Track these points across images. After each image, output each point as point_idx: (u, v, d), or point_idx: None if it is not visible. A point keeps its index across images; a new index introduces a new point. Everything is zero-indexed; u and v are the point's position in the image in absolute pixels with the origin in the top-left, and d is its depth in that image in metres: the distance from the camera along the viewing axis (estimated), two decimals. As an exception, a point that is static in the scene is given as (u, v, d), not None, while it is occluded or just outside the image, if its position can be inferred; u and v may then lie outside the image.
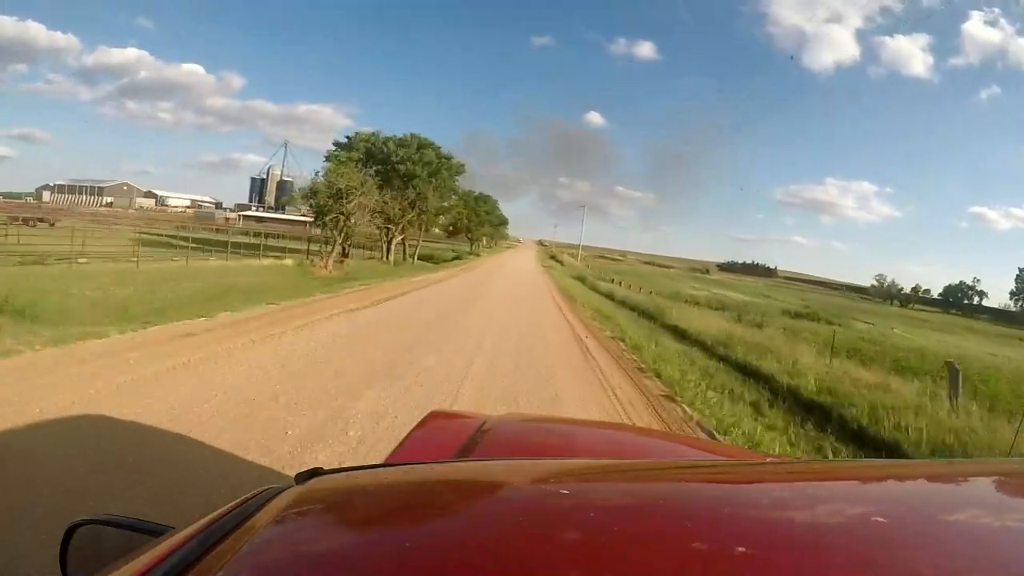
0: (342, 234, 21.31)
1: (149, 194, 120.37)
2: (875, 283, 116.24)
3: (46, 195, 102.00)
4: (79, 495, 2.84)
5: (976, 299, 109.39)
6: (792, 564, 0.47)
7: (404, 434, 1.45)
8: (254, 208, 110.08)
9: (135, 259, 16.04)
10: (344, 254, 23.66)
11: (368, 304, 11.82)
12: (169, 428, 3.82)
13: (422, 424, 1.55)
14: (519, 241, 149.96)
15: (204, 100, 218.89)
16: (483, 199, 60.86)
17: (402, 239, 32.20)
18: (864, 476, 0.84)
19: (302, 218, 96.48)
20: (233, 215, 79.61)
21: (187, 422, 3.97)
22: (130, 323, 6.98)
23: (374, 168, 26.10)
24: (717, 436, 5.40)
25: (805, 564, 0.47)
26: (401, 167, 25.77)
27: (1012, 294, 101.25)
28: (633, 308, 19.37)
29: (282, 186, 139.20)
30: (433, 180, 26.97)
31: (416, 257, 34.49)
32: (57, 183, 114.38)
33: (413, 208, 27.65)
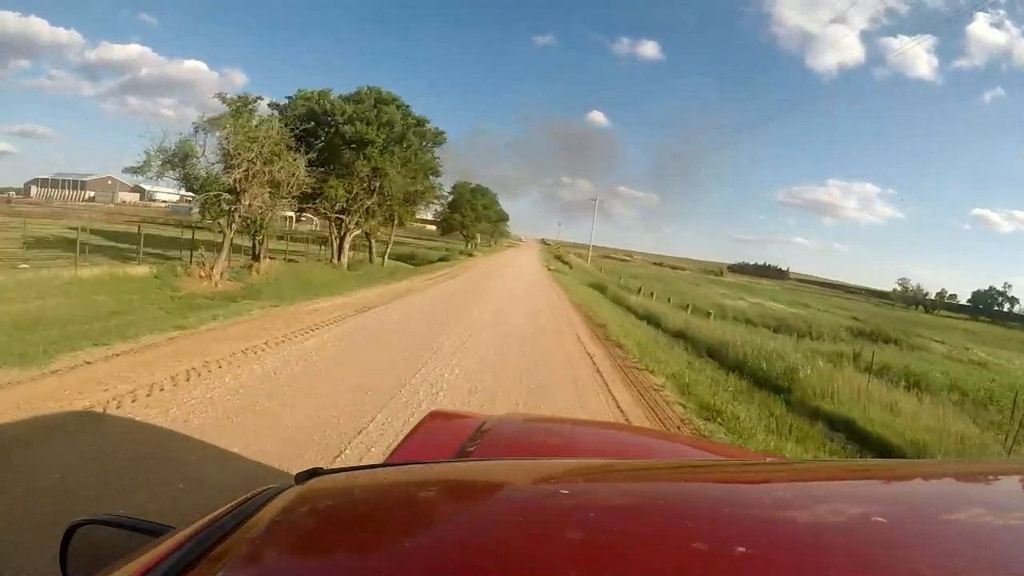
0: (233, 224, 13.41)
1: (136, 188, 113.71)
2: (897, 287, 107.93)
3: (34, 189, 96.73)
4: None
5: (1007, 305, 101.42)
6: (792, 564, 0.47)
7: None
8: None
9: None
10: (255, 256, 15.79)
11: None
12: None
13: (422, 424, 1.54)
14: (521, 240, 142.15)
15: (207, 97, 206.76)
16: (480, 191, 52.79)
17: (365, 235, 24.35)
18: (864, 476, 0.83)
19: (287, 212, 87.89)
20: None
21: None
22: None
23: (322, 139, 18.04)
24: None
25: (805, 564, 0.47)
26: (348, 129, 17.49)
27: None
28: (712, 352, 11.12)
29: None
30: (395, 150, 18.69)
31: (388, 258, 26.62)
32: (41, 177, 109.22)
33: (372, 192, 19.66)
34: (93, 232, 17.87)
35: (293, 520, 0.59)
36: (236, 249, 15.48)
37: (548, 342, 9.52)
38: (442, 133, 20.90)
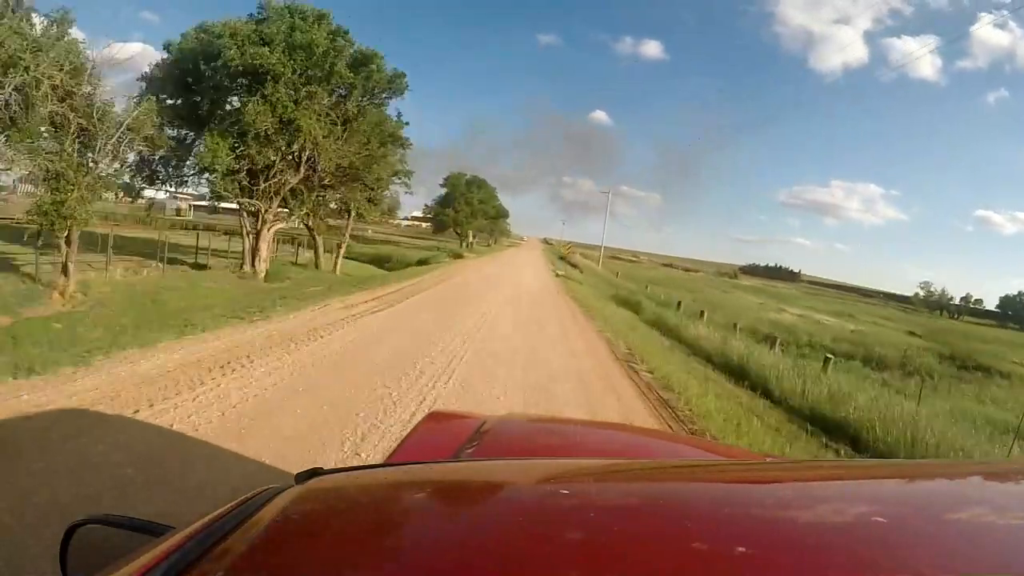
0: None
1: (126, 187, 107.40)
2: (920, 292, 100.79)
3: (21, 187, 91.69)
4: None
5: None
6: (792, 564, 0.47)
7: None
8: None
9: None
10: (64, 268, 9.07)
11: None
12: None
13: (422, 424, 1.52)
14: (523, 239, 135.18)
15: None
16: (477, 184, 45.86)
17: (309, 231, 17.65)
18: (864, 476, 0.83)
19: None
20: (185, 205, 67.07)
21: None
22: None
23: (204, 83, 11.22)
24: None
25: (805, 564, 0.47)
26: (234, 55, 10.71)
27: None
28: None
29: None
30: (319, 94, 11.91)
31: (349, 260, 19.88)
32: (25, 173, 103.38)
33: (298, 165, 12.86)
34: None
35: (293, 520, 0.58)
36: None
37: None
38: (401, 77, 13.65)
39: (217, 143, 10.72)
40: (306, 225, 17.84)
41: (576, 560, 0.48)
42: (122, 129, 8.62)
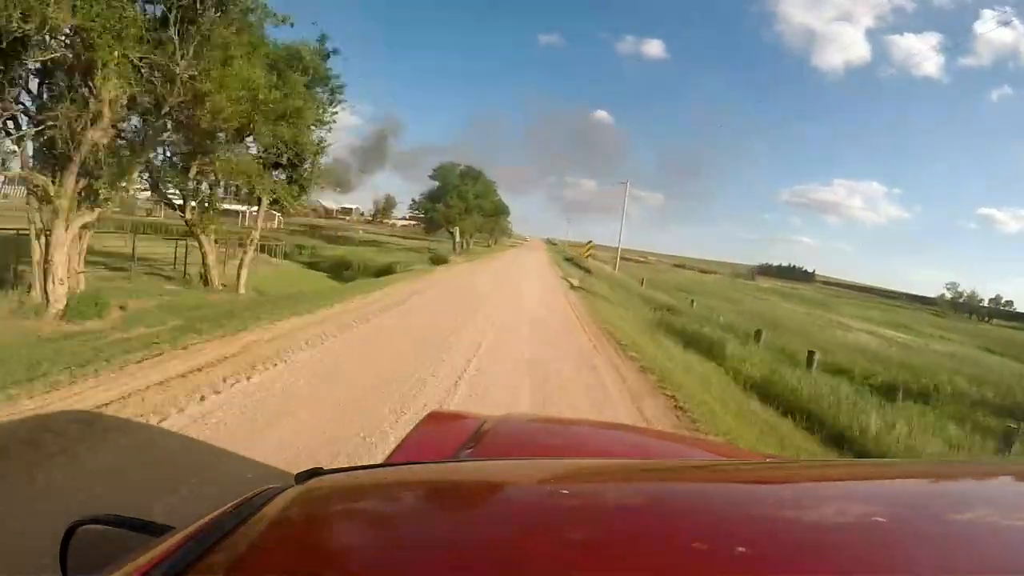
0: None
1: None
2: (946, 293, 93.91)
3: None
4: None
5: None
6: (792, 564, 0.47)
7: None
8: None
9: None
10: None
11: None
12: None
13: (422, 424, 1.52)
14: (525, 239, 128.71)
15: None
16: (472, 175, 39.43)
17: (190, 230, 11.48)
18: (864, 476, 0.82)
19: (236, 207, 74.38)
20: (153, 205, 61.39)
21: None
22: None
23: None
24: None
25: (805, 564, 0.47)
26: None
27: None
28: None
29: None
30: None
31: (246, 272, 13.67)
32: None
33: (88, 91, 6.65)
34: None
35: (293, 520, 0.59)
36: None
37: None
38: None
39: None
40: (188, 225, 11.59)
41: (576, 560, 0.47)
42: None
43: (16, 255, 9.22)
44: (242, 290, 11.98)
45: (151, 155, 9.14)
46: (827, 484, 0.76)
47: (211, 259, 11.87)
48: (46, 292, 7.66)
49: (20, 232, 8.90)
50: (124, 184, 7.71)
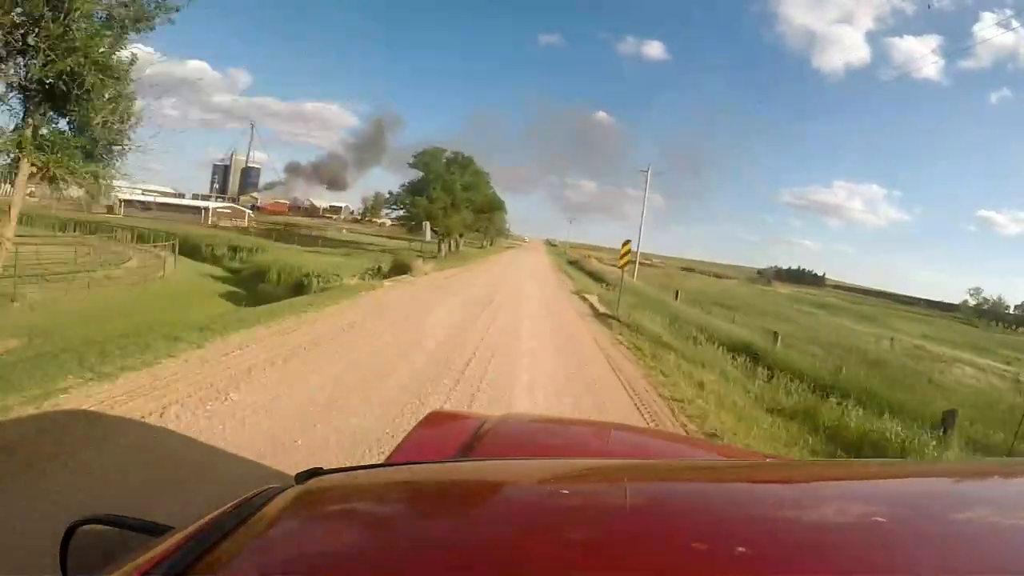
0: None
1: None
2: (969, 299, 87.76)
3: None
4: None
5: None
6: (792, 564, 0.46)
7: None
8: (214, 198, 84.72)
9: None
10: None
11: None
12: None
13: (422, 424, 1.51)
14: (524, 240, 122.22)
15: (210, 97, 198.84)
16: (461, 163, 32.96)
17: None
18: (864, 476, 0.82)
19: (197, 203, 67.51)
20: (117, 202, 55.58)
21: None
22: None
23: None
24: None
25: (805, 564, 0.46)
26: None
27: None
28: None
29: (247, 173, 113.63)
30: None
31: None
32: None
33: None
34: None
35: (293, 520, 0.58)
36: None
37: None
38: None
39: None
40: None
41: (576, 560, 0.47)
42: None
43: None
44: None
45: None
46: (827, 484, 0.75)
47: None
48: None
49: None
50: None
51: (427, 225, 16.51)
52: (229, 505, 0.60)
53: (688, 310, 17.83)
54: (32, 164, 6.03)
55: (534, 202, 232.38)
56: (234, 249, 22.65)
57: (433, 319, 8.90)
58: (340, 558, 0.49)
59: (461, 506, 0.65)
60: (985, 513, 0.61)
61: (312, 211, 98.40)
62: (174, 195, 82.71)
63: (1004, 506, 0.65)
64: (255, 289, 12.97)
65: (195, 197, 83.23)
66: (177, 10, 6.12)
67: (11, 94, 5.81)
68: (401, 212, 31.58)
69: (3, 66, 5.62)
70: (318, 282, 10.72)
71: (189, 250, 24.37)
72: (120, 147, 6.61)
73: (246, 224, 52.01)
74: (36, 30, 5.44)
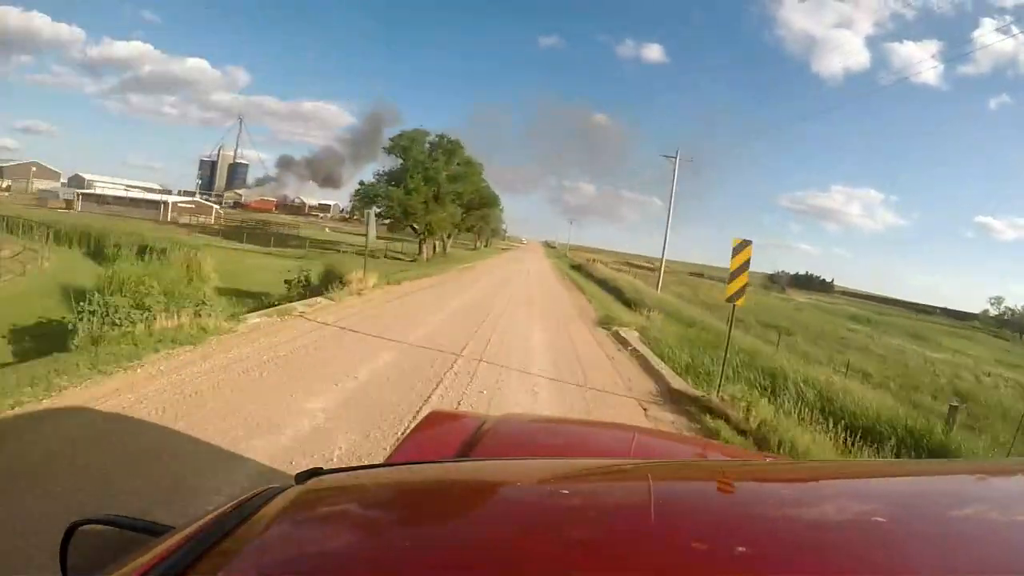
0: None
1: (76, 178, 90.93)
2: (990, 308, 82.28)
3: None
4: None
5: None
6: (792, 564, 0.46)
7: None
8: (198, 194, 79.23)
9: None
10: None
11: None
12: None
13: (422, 424, 1.49)
14: (522, 242, 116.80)
15: (209, 95, 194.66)
16: (447, 148, 27.48)
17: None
18: (864, 476, 0.81)
19: (158, 196, 62.27)
20: (75, 196, 50.53)
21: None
22: None
23: None
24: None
25: (805, 564, 0.46)
26: None
27: None
28: None
29: (235, 169, 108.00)
30: None
31: None
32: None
33: None
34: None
35: (293, 520, 0.57)
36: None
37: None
38: None
39: None
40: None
41: (576, 560, 0.47)
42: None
43: None
44: None
45: None
46: (827, 484, 0.75)
47: None
48: None
49: None
50: None
51: (371, 216, 10.88)
52: (229, 505, 0.59)
53: (763, 346, 12.39)
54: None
55: (532, 203, 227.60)
56: (143, 250, 17.27)
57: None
58: (340, 558, 0.49)
59: (461, 506, 0.64)
60: (985, 513, 0.60)
61: (299, 209, 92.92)
62: (159, 191, 77.66)
63: (1004, 506, 0.64)
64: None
65: (180, 193, 78.05)
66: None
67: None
68: (374, 205, 26.09)
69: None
70: (116, 321, 5.05)
71: (101, 250, 19.36)
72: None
73: (212, 221, 46.52)
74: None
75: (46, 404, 3.76)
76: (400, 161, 25.77)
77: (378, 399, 4.77)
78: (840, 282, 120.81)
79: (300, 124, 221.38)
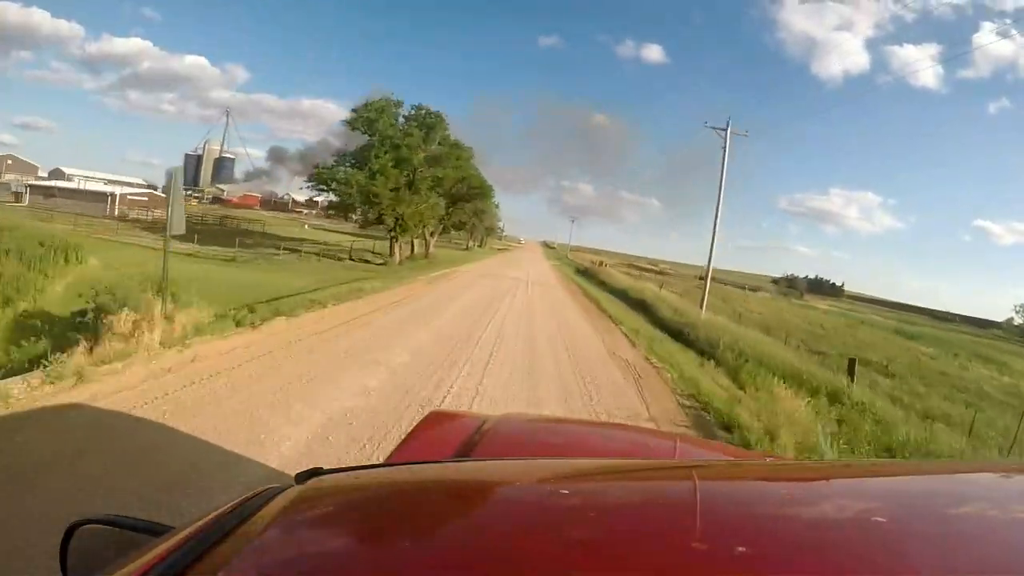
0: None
1: (56, 172, 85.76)
2: (1015, 316, 76.86)
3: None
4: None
5: None
6: (792, 564, 0.46)
7: None
8: (184, 190, 73.25)
9: None
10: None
11: None
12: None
13: (422, 424, 1.48)
14: (519, 241, 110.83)
15: (208, 93, 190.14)
16: (428, 123, 21.75)
17: None
18: (864, 476, 0.81)
19: (104, 188, 56.54)
20: (23, 189, 45.19)
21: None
22: None
23: None
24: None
25: (805, 564, 0.46)
26: None
27: None
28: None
29: (221, 163, 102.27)
30: None
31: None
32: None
33: None
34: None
35: (293, 520, 0.57)
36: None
37: None
38: None
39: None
40: None
41: (576, 560, 0.46)
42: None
43: None
44: None
45: None
46: (827, 484, 0.74)
47: None
48: None
49: None
50: None
51: (175, 181, 5.52)
52: (229, 505, 0.59)
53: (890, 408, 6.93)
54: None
55: (531, 203, 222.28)
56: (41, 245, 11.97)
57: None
58: (340, 558, 0.49)
59: (461, 506, 0.64)
60: (985, 513, 0.60)
61: (284, 205, 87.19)
62: (145, 186, 72.55)
63: (1004, 506, 0.64)
64: None
65: (163, 190, 72.55)
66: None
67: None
68: (331, 195, 20.46)
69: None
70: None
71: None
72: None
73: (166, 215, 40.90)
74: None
75: None
76: (368, 138, 20.13)
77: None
78: (844, 285, 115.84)
79: (299, 122, 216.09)
